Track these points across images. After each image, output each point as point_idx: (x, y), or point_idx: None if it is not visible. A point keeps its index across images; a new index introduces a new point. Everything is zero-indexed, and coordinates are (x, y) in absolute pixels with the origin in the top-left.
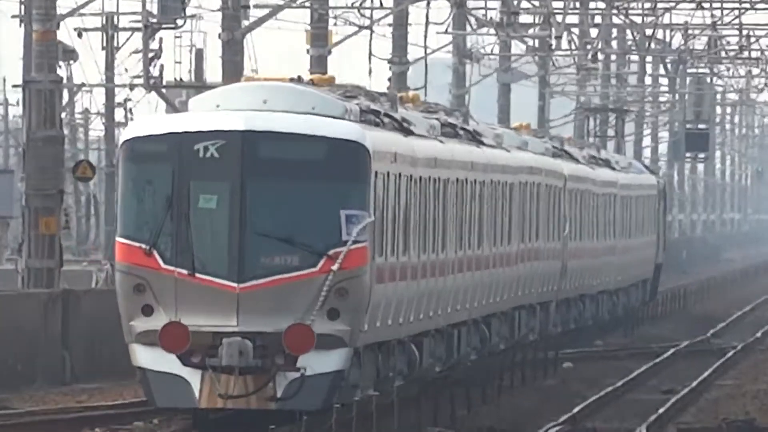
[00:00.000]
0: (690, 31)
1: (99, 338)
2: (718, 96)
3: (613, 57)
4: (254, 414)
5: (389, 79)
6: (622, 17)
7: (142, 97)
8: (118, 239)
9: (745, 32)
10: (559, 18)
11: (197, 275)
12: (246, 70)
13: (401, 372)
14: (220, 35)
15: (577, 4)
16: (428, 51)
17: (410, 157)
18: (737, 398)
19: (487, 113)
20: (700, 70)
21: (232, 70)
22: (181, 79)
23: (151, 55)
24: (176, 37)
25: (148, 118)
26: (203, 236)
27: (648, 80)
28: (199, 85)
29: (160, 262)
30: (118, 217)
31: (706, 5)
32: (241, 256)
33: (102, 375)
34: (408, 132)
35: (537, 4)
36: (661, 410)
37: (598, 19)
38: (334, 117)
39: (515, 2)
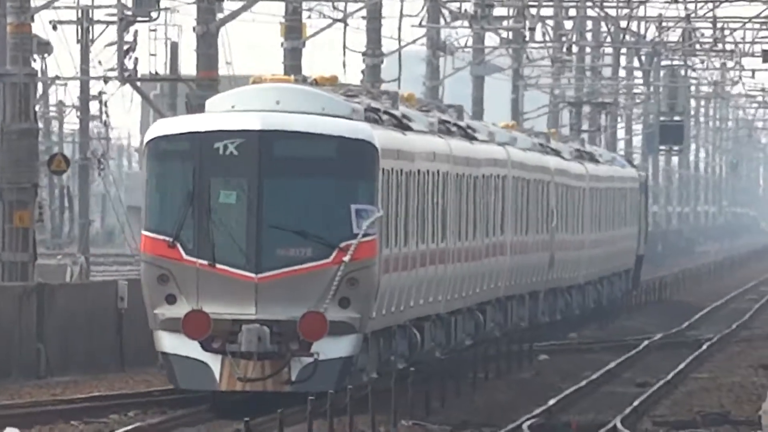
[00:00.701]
0: (664, 24)
1: (74, 332)
2: (693, 88)
3: (588, 49)
4: (270, 396)
5: (363, 72)
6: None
7: (117, 90)
8: (144, 232)
9: (719, 25)
10: (533, 10)
11: (218, 266)
12: (221, 63)
13: (403, 355)
14: (194, 28)
15: None
16: (402, 44)
17: (411, 152)
18: (712, 391)
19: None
20: (675, 63)
21: (207, 63)
22: (155, 72)
23: (125, 48)
24: (151, 30)
25: (171, 118)
26: (223, 229)
27: (622, 73)
28: (174, 78)
29: (183, 253)
30: (143, 211)
31: None
32: (258, 248)
33: (77, 368)
34: (408, 128)
35: None
36: (635, 403)
37: (572, 12)
38: (342, 116)
39: None
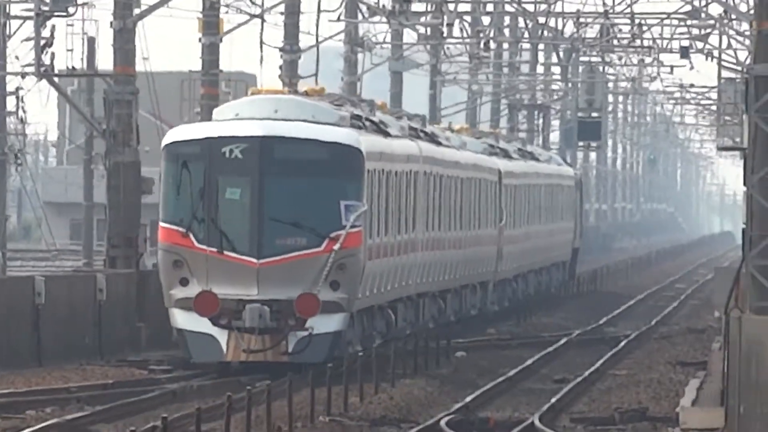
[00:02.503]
0: (582, 20)
1: None
2: (611, 84)
3: (506, 45)
4: (270, 366)
5: (281, 67)
6: (514, 6)
7: (34, 85)
8: (161, 224)
9: (637, 21)
10: (451, 6)
11: (225, 253)
12: (138, 58)
13: (380, 332)
14: (111, 23)
15: None
16: (320, 39)
17: (390, 154)
18: (630, 387)
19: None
20: (593, 59)
21: (124, 59)
22: (73, 68)
23: (42, 43)
24: (68, 25)
25: (184, 126)
26: (229, 221)
27: (540, 69)
28: (91, 74)
29: (195, 242)
30: (160, 205)
31: None
32: (260, 238)
33: None
34: (387, 133)
35: None
36: (553, 399)
37: (490, 7)
38: (331, 123)
39: None
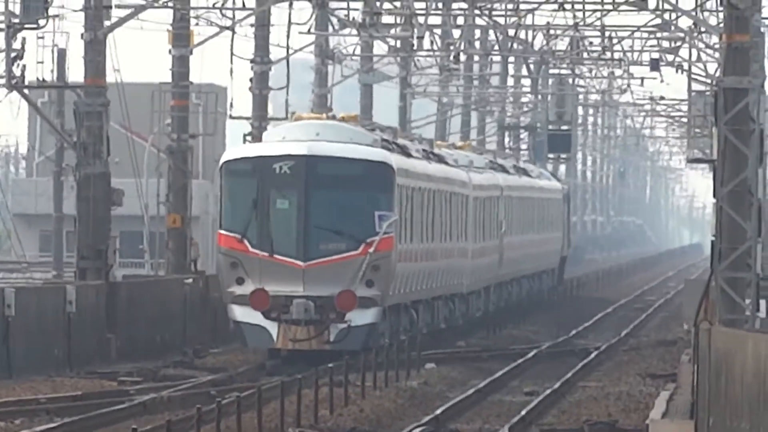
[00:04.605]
0: (552, 32)
1: None
2: (581, 97)
3: (476, 57)
4: (314, 353)
5: (251, 79)
6: (485, 18)
7: (5, 97)
8: (220, 231)
9: (607, 34)
10: (421, 19)
11: (275, 256)
12: (108, 70)
13: (405, 328)
14: (82, 35)
15: (440, 5)
16: (290, 51)
17: (414, 173)
18: (600, 400)
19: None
20: (563, 71)
21: (95, 70)
22: (43, 79)
23: (13, 55)
24: (39, 37)
25: (240, 146)
26: (279, 228)
27: (510, 81)
28: (61, 85)
29: (249, 246)
30: (220, 215)
31: (568, 6)
32: (305, 243)
33: None
34: (410, 155)
35: (399, 5)
36: (523, 412)
37: (460, 20)
38: (366, 144)
39: (377, 3)
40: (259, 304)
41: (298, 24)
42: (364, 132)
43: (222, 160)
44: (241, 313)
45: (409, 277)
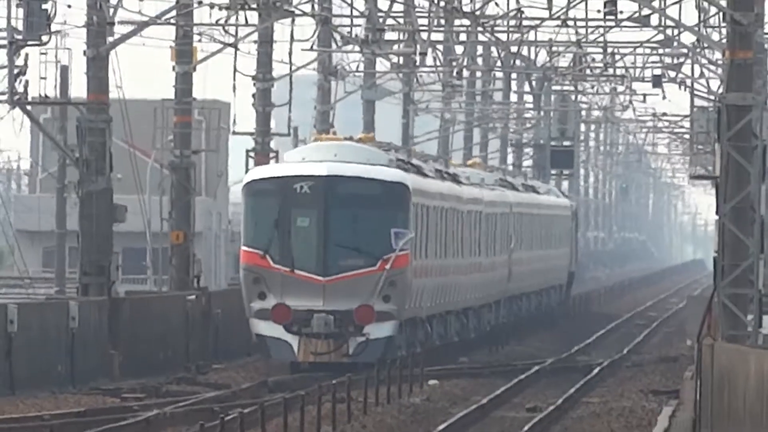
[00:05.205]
0: (555, 49)
1: None
2: (583, 113)
3: (479, 74)
4: (334, 365)
5: (254, 96)
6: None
7: (7, 113)
8: (243, 247)
9: (609, 50)
10: (424, 35)
11: (296, 271)
12: (111, 86)
13: (420, 341)
14: (85, 51)
15: (443, 22)
16: (293, 68)
17: (428, 192)
18: (602, 416)
19: (351, 130)
20: (565, 88)
21: (97, 87)
22: (46, 96)
23: (16, 71)
24: (42, 53)
25: (262, 167)
26: (300, 245)
27: (513, 97)
28: (64, 102)
29: (271, 262)
30: (242, 232)
31: (571, 23)
32: (325, 259)
33: None
34: (424, 174)
35: (402, 21)
36: (526, 428)
37: (463, 37)
38: (383, 165)
39: (380, 19)
40: (280, 317)
41: (301, 41)
42: (380, 152)
43: (245, 180)
44: (263, 327)
45: (423, 292)
